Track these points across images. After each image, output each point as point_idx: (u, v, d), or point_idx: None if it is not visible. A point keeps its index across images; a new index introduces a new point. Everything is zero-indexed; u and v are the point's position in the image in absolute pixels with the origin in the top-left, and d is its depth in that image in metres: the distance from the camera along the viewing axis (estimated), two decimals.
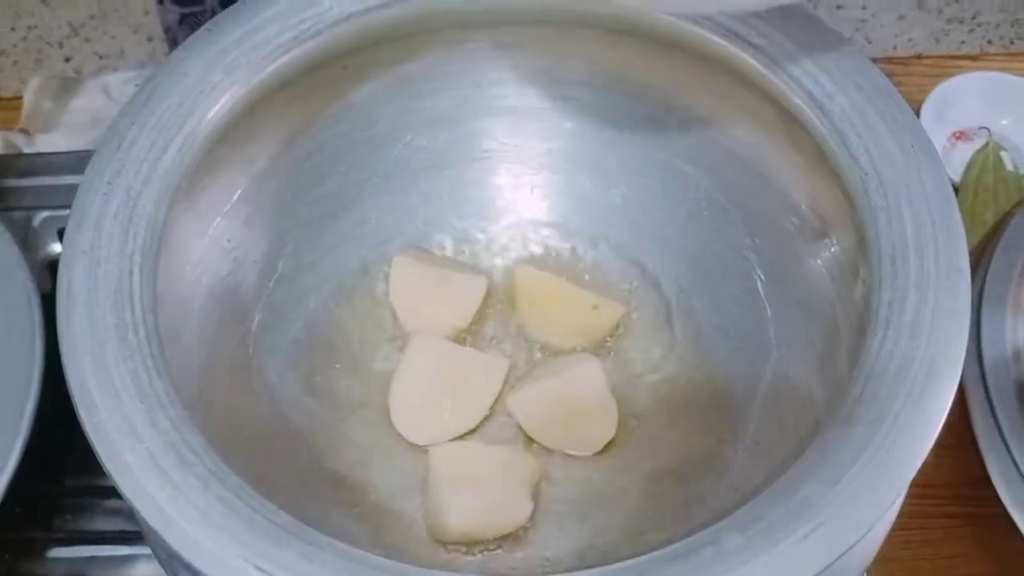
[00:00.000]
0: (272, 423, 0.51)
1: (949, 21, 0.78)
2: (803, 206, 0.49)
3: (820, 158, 0.46)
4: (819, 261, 0.49)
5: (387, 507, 0.50)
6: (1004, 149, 0.70)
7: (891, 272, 0.39)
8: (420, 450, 0.51)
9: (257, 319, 0.52)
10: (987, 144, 0.70)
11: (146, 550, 0.51)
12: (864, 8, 0.76)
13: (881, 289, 0.39)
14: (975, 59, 0.76)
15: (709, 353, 0.52)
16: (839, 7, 0.75)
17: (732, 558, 0.33)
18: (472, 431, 0.52)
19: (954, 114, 0.73)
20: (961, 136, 0.73)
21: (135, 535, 0.52)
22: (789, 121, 0.47)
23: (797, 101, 0.44)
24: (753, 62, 0.46)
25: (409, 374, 0.52)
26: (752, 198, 0.52)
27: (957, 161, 0.71)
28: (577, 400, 0.51)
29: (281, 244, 0.53)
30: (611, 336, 0.54)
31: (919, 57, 0.76)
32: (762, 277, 0.51)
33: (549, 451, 0.51)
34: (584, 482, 0.51)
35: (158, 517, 0.35)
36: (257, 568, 0.34)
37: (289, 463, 0.50)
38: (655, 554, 0.34)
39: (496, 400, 0.52)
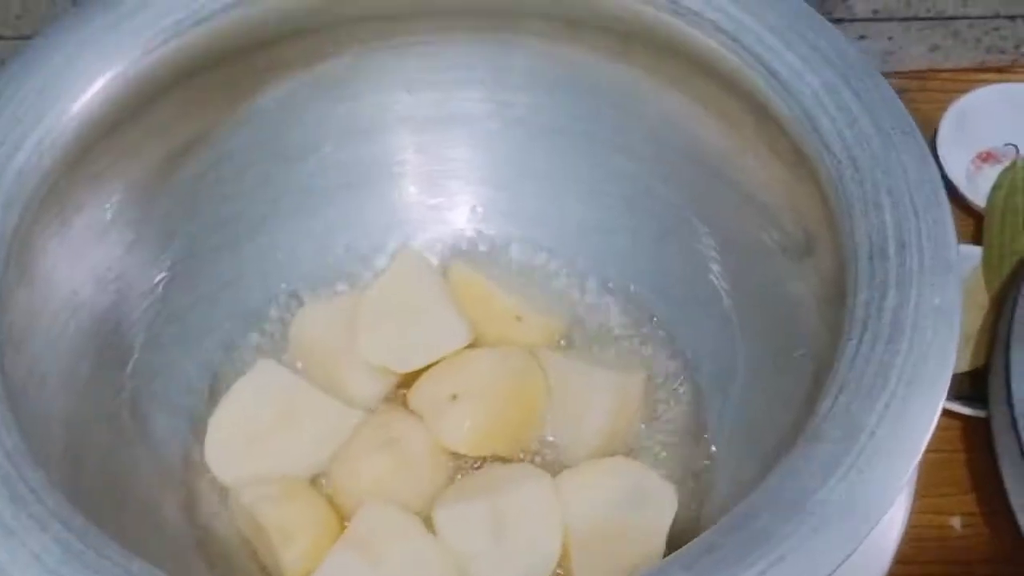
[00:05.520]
0: (157, 484, 0.50)
1: (988, 51, 0.79)
2: (785, 218, 0.49)
3: (797, 157, 0.46)
4: (804, 284, 0.48)
5: None
6: None
7: (868, 269, 0.39)
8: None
9: (141, 363, 0.51)
10: (1015, 163, 0.70)
11: None
12: (891, 39, 0.77)
13: (857, 289, 0.39)
14: (1001, 71, 0.77)
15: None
16: (862, 37, 0.77)
17: None
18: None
19: (977, 132, 0.73)
20: (988, 158, 0.73)
21: None
22: (759, 114, 0.47)
23: (761, 84, 0.45)
24: (712, 43, 0.46)
25: (237, 401, 0.52)
26: (727, 213, 0.52)
27: (984, 187, 0.71)
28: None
29: (172, 275, 0.53)
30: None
31: (935, 71, 0.77)
32: (735, 303, 0.51)
33: None
34: None
35: None
36: None
37: (179, 532, 0.49)
38: None
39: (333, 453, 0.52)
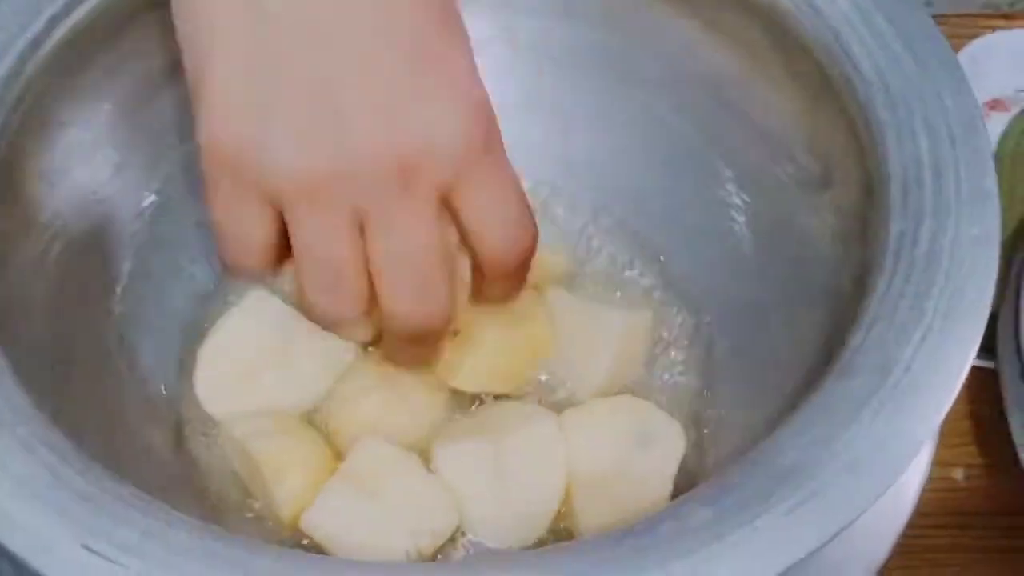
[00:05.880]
0: (145, 414, 0.48)
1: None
2: (800, 150, 0.48)
3: (822, 84, 0.44)
4: (821, 219, 0.47)
5: None
6: None
7: (901, 199, 0.37)
8: None
9: (129, 289, 0.49)
10: None
11: None
12: None
13: (890, 219, 0.37)
14: (1010, 18, 0.75)
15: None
16: None
17: (695, 536, 0.31)
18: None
19: (986, 80, 0.71)
20: (996, 105, 0.71)
21: None
22: (781, 40, 0.45)
23: (787, 6, 0.42)
24: None
25: (228, 332, 0.50)
26: (742, 146, 0.50)
27: (993, 136, 0.69)
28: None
29: (161, 200, 0.51)
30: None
31: (943, 16, 0.75)
32: (750, 240, 0.49)
33: None
34: None
35: None
36: (88, 549, 0.31)
37: (168, 464, 0.48)
38: (603, 534, 0.31)
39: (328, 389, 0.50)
